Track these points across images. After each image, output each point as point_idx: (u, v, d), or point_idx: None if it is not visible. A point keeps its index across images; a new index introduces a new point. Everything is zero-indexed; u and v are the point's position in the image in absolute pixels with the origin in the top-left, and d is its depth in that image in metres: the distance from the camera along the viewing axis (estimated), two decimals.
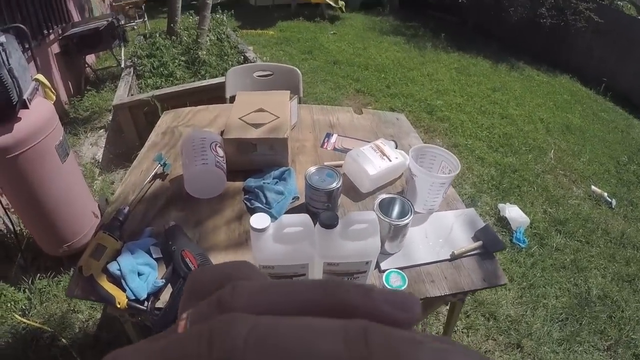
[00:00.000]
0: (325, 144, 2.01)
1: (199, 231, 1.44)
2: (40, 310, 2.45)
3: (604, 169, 4.88)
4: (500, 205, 3.61)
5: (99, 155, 4.03)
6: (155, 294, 1.20)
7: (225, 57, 4.89)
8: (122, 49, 5.85)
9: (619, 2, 11.13)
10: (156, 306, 1.18)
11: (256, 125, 1.68)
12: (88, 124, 4.55)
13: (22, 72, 2.06)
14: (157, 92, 3.69)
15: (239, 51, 5.07)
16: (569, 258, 3.34)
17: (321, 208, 1.44)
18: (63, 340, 2.26)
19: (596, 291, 3.06)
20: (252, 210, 1.50)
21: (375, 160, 1.64)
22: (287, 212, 1.52)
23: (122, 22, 7.04)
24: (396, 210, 1.34)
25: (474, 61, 7.65)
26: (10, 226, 2.62)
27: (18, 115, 2.04)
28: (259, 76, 2.70)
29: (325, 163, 1.76)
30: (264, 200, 1.52)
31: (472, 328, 2.64)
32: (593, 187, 4.35)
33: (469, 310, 2.73)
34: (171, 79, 4.50)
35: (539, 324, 2.73)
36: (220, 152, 1.61)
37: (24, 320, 2.31)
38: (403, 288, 1.20)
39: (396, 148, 1.88)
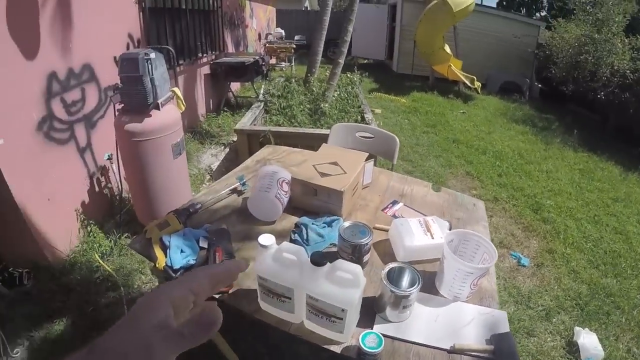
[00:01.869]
0: (388, 209, 2.06)
1: (244, 242, 1.72)
2: (115, 261, 2.96)
3: None
4: (577, 329, 3.17)
5: (215, 165, 4.72)
6: (186, 269, 1.52)
7: (346, 113, 5.26)
8: (263, 84, 6.64)
9: None
10: None
11: (323, 175, 1.91)
12: (214, 138, 5.31)
13: (162, 83, 2.68)
14: (272, 129, 4.21)
15: (360, 111, 5.40)
16: None
17: (347, 259, 1.55)
18: (121, 288, 2.66)
19: None
20: (292, 242, 1.71)
21: (417, 234, 1.66)
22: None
23: (273, 61, 7.92)
24: (405, 280, 1.37)
25: (602, 165, 6.94)
26: (120, 191, 3.27)
27: (150, 113, 2.63)
28: (361, 136, 2.91)
29: (377, 225, 1.90)
30: (305, 237, 1.71)
31: None
32: None
33: None
34: (293, 120, 4.99)
35: None
36: (285, 187, 1.89)
37: (100, 261, 2.82)
38: (376, 351, 1.19)
39: (450, 229, 1.86)
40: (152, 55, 2.56)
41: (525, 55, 10.85)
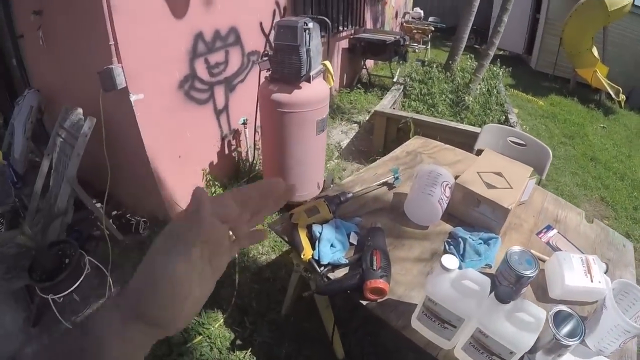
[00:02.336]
0: (542, 234, 1.91)
1: (394, 243, 1.61)
2: None
3: None
4: None
5: (344, 143, 4.67)
6: (334, 266, 1.43)
7: (489, 110, 4.91)
8: (399, 66, 6.43)
9: None
10: (328, 275, 1.41)
11: (488, 185, 1.76)
12: (345, 115, 5.28)
13: (316, 54, 2.61)
14: (416, 116, 4.03)
15: (503, 110, 5.04)
16: None
17: (505, 287, 1.41)
18: (235, 254, 2.68)
19: None
20: (447, 252, 1.58)
21: (578, 273, 1.53)
22: None
23: (407, 42, 7.71)
24: (567, 328, 1.24)
25: None
26: (250, 158, 3.37)
27: (300, 85, 2.58)
28: (511, 142, 2.70)
29: (532, 251, 1.70)
30: (462, 252, 1.59)
31: None
32: None
33: None
34: (432, 109, 4.77)
35: None
36: (448, 192, 1.74)
37: None
38: None
39: (605, 273, 1.70)
40: (311, 25, 2.50)
41: None
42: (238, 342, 2.20)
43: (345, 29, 5.88)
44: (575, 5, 8.25)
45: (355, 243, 1.51)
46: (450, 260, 1.17)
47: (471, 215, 1.77)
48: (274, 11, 3.83)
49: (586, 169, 5.67)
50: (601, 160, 6.00)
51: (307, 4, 4.58)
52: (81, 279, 2.21)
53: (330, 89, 5.44)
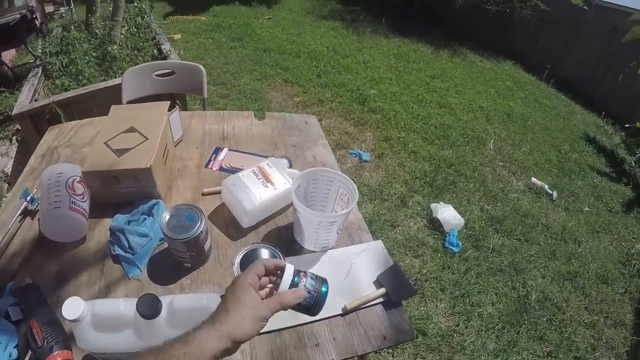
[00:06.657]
0: (212, 162, 1.76)
1: (61, 286, 1.25)
2: None
3: (545, 159, 4.72)
4: (433, 206, 3.39)
5: (9, 167, 3.49)
6: None
7: (140, 50, 4.61)
8: (40, 42, 5.40)
9: None
10: None
11: (120, 152, 1.44)
12: None
13: None
14: (56, 98, 3.33)
15: (155, 43, 4.78)
16: (507, 260, 3.16)
17: (184, 257, 1.26)
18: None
19: (536, 294, 2.90)
20: (115, 258, 1.33)
21: (256, 190, 1.41)
22: (154, 256, 1.35)
23: (51, 9, 6.68)
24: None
25: (414, 47, 7.39)
26: None
27: None
28: (159, 75, 2.52)
29: (205, 190, 1.60)
30: (127, 245, 1.32)
31: (397, 347, 2.44)
32: (533, 179, 4.22)
33: None
34: (80, 78, 4.15)
35: (473, 336, 2.57)
36: (80, 188, 1.42)
37: None
38: None
39: (290, 167, 1.64)
40: None
41: None
42: None
43: None
44: None
45: (21, 316, 1.12)
46: (70, 307, 0.91)
47: (123, 194, 1.49)
48: None
49: (262, 61, 5.94)
50: (274, 49, 6.38)
51: None
52: None
53: None
